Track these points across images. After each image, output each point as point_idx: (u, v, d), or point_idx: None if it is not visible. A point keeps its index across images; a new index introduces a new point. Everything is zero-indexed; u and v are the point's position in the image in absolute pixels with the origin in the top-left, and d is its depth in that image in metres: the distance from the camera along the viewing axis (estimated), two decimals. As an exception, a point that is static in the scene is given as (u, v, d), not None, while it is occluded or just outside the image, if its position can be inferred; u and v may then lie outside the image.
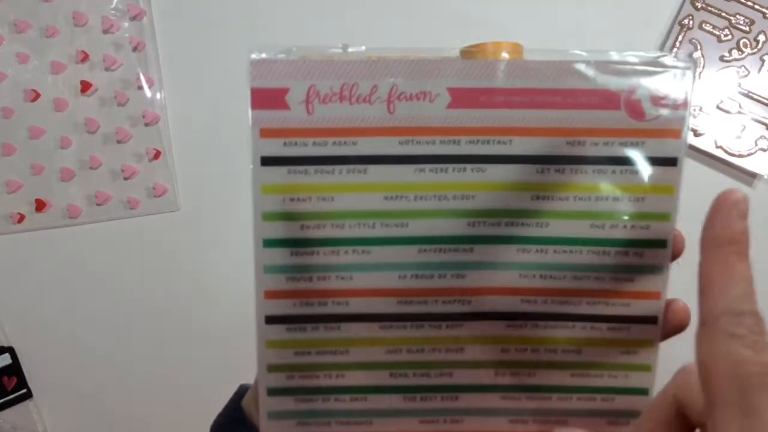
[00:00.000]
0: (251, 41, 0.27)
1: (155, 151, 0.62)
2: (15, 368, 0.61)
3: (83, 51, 0.61)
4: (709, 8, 0.61)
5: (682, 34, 0.61)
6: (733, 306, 0.17)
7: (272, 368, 0.26)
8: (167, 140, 0.62)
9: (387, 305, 0.25)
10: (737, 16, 0.61)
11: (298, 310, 0.25)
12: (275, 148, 0.24)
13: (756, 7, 0.61)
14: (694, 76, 0.24)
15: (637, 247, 0.25)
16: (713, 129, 0.61)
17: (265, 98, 0.24)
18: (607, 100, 0.24)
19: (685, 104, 0.24)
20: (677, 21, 0.61)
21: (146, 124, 0.62)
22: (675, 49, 0.60)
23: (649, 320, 0.25)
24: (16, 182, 0.61)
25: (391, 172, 0.25)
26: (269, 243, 0.25)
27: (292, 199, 0.25)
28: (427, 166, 0.25)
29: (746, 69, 0.61)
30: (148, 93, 0.62)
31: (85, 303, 0.62)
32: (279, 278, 0.25)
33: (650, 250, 0.25)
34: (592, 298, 0.25)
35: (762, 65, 0.61)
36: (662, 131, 0.24)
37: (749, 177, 0.62)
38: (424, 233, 0.25)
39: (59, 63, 0.61)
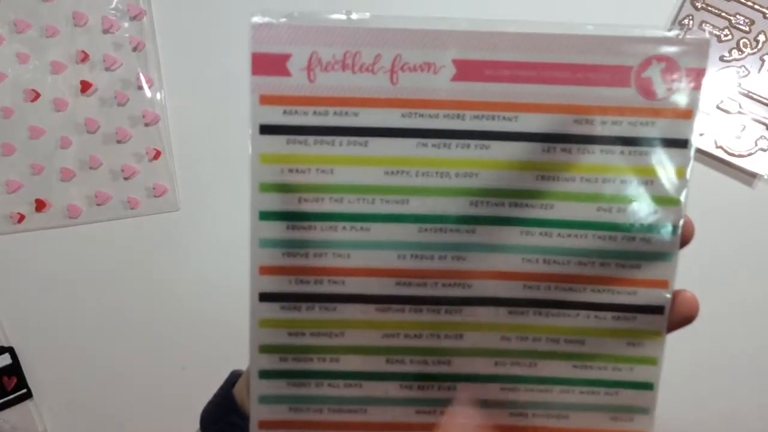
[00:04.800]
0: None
1: (155, 151, 0.62)
2: (15, 368, 0.61)
3: (83, 51, 0.61)
4: (709, 8, 0.61)
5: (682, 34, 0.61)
6: None
7: (265, 349, 0.25)
8: (167, 140, 0.62)
9: (385, 286, 0.24)
10: (737, 16, 0.61)
11: (293, 288, 0.24)
12: (275, 115, 0.23)
13: (756, 7, 0.61)
14: (708, 56, 0.23)
15: (644, 232, 0.24)
16: (713, 129, 0.61)
17: (266, 64, 0.23)
18: (617, 77, 0.23)
19: (698, 84, 0.23)
20: (677, 21, 0.61)
21: (146, 124, 0.62)
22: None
23: (656, 310, 0.24)
24: (16, 182, 0.61)
25: (393, 145, 0.24)
26: (266, 215, 0.24)
27: (290, 170, 0.24)
28: (430, 141, 0.24)
29: (746, 69, 0.61)
30: (148, 93, 0.62)
31: (85, 303, 0.62)
32: (275, 253, 0.24)
33: (658, 236, 0.24)
34: (597, 285, 0.24)
35: (762, 65, 0.61)
36: (673, 111, 0.23)
37: (749, 177, 0.62)
38: (425, 211, 0.24)
39: (59, 63, 0.61)
